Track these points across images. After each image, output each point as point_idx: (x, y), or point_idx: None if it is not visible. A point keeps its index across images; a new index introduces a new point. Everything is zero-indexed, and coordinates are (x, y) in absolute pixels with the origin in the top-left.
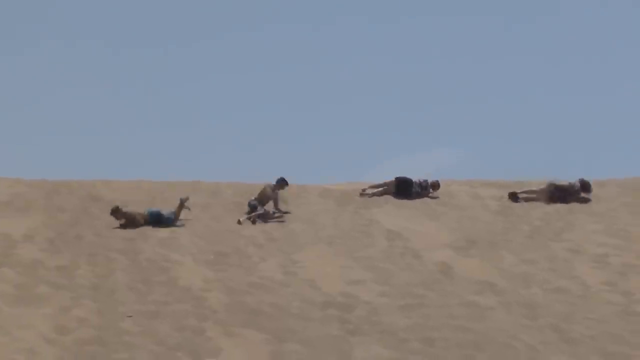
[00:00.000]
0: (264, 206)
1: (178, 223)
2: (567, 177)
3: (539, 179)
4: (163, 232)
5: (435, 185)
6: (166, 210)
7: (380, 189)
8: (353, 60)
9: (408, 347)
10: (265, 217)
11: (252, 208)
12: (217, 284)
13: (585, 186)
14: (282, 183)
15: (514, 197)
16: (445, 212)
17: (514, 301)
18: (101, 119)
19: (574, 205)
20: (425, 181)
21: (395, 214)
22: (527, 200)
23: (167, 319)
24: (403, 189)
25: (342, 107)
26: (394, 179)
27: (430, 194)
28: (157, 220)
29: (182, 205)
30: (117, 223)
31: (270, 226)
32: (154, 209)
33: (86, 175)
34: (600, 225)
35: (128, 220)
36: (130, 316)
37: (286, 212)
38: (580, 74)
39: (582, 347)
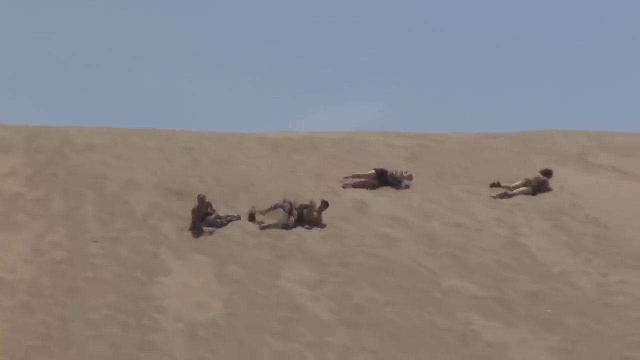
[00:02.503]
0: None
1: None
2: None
3: (450, 131)
4: (122, 172)
5: (409, 177)
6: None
7: (361, 179)
8: (289, 14)
9: (329, 270)
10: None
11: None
12: (170, 214)
13: (548, 173)
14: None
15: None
16: (362, 158)
17: (419, 233)
18: (75, 69)
19: (472, 154)
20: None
21: (319, 158)
22: (510, 196)
23: (127, 244)
24: (384, 180)
25: (275, 63)
26: (373, 171)
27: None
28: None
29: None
30: (87, 164)
31: (218, 168)
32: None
33: (61, 122)
34: (483, 173)
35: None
36: (95, 241)
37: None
38: (486, 31)
39: (476, 272)
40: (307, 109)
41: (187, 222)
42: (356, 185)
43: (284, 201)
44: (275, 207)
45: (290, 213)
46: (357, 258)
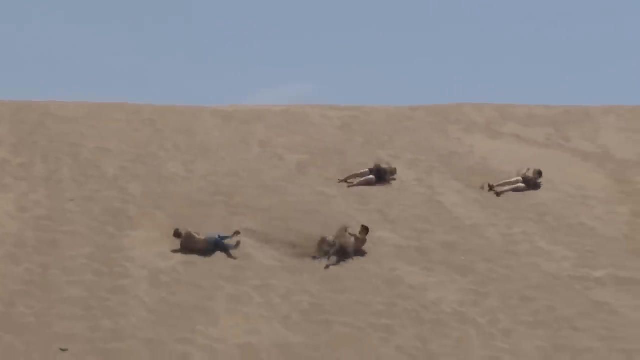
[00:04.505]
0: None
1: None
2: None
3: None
4: (95, 141)
5: (393, 172)
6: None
7: (361, 178)
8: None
9: (271, 223)
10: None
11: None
12: (136, 176)
13: (539, 173)
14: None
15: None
16: (301, 128)
17: (350, 192)
18: (54, 48)
19: (395, 124)
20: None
21: (264, 128)
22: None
23: (99, 202)
24: (380, 177)
25: (220, 46)
26: (372, 169)
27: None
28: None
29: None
30: (65, 133)
31: (178, 138)
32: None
33: (42, 97)
34: (405, 141)
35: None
36: (72, 200)
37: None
38: (404, 9)
39: (399, 224)
40: (249, 90)
41: (153, 184)
42: (359, 184)
43: (331, 236)
44: (322, 243)
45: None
46: (297, 213)
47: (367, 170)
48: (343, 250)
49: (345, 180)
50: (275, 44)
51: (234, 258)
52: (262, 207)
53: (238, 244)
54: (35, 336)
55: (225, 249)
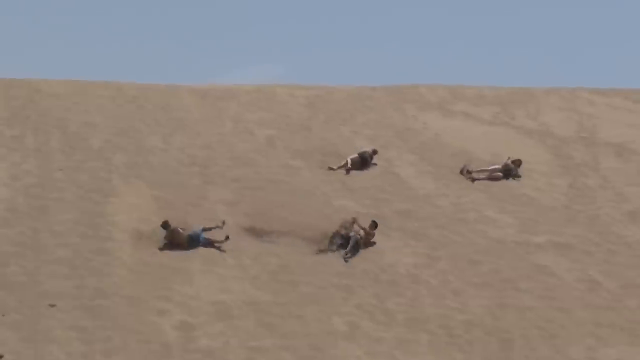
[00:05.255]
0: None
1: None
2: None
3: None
4: (81, 116)
5: (375, 152)
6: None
7: (347, 165)
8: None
9: (243, 192)
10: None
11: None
12: (119, 148)
13: (517, 162)
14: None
15: (467, 174)
16: (270, 105)
17: (316, 164)
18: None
19: (356, 102)
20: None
21: (237, 105)
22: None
23: (85, 172)
24: (363, 163)
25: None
26: (357, 156)
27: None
28: (196, 241)
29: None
30: (53, 108)
31: (158, 113)
32: (195, 231)
33: (32, 74)
34: (365, 118)
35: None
36: (61, 169)
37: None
38: None
39: (358, 194)
40: (222, 70)
41: (134, 156)
42: (349, 169)
43: (343, 229)
44: (334, 237)
45: (344, 245)
46: (266, 182)
47: (356, 156)
48: (356, 243)
49: (333, 169)
50: (246, 27)
51: (223, 251)
52: (234, 177)
53: (227, 238)
54: (26, 293)
55: (208, 244)
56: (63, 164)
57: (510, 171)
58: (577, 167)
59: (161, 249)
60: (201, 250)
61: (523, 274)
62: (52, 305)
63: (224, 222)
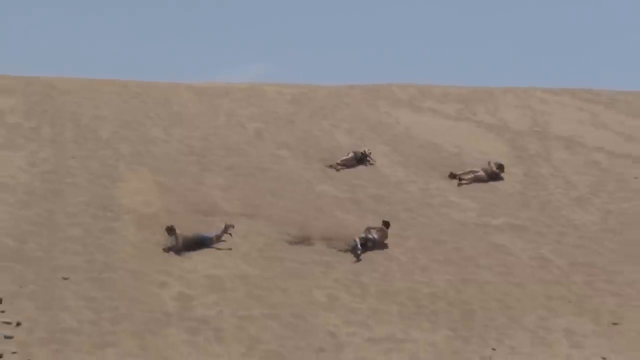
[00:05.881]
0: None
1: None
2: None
3: (321, 83)
4: (92, 110)
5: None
6: (208, 232)
7: (346, 163)
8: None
9: (235, 179)
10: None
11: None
12: (125, 139)
13: (500, 167)
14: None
15: (454, 178)
16: (259, 101)
17: (300, 154)
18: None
19: (335, 99)
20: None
21: (230, 101)
22: (465, 181)
23: (96, 159)
24: (360, 160)
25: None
26: (352, 154)
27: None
28: (200, 242)
29: (226, 230)
30: (67, 103)
31: (159, 108)
32: (201, 233)
33: (48, 73)
34: (343, 113)
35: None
36: (73, 158)
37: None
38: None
39: (337, 180)
40: (217, 69)
41: (139, 145)
42: (343, 167)
43: (367, 233)
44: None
45: (360, 246)
46: (256, 171)
47: (352, 154)
48: (372, 243)
49: (332, 166)
50: (239, 31)
51: (218, 248)
52: (227, 165)
53: (231, 227)
54: (42, 267)
55: (208, 244)
56: (75, 152)
57: (496, 176)
58: (531, 158)
59: (165, 250)
60: (194, 227)
61: (482, 252)
62: (65, 278)
63: (232, 226)
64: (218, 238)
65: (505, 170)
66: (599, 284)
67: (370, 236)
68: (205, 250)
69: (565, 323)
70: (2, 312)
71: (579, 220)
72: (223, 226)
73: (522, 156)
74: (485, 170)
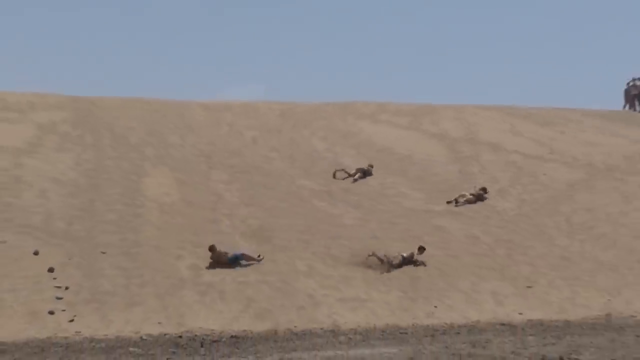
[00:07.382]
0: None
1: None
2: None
3: (303, 101)
4: (124, 122)
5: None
6: (236, 251)
7: (355, 175)
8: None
9: (236, 175)
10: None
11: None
12: (149, 144)
13: (484, 189)
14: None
15: (455, 202)
16: (254, 115)
17: (286, 156)
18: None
19: (314, 114)
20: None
21: (232, 115)
22: (460, 203)
23: (127, 160)
24: (365, 173)
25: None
26: (359, 169)
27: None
28: (235, 261)
29: (256, 258)
30: (105, 116)
31: (176, 120)
32: (236, 253)
33: (91, 93)
34: (319, 124)
35: (215, 258)
36: (110, 159)
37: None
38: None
39: (314, 176)
40: (220, 87)
41: (160, 149)
42: (347, 177)
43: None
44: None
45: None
46: (251, 168)
47: (357, 170)
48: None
49: (335, 176)
50: (237, 57)
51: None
52: (229, 165)
53: (261, 257)
54: (85, 244)
55: (239, 262)
56: (111, 154)
57: (481, 197)
58: (465, 159)
59: (208, 267)
60: (203, 214)
61: (427, 231)
62: (103, 252)
63: (261, 257)
64: (249, 258)
65: (487, 191)
66: (517, 256)
67: (405, 255)
68: (211, 231)
69: (491, 287)
70: (54, 278)
71: (501, 207)
72: (256, 255)
73: (458, 157)
74: (472, 194)
